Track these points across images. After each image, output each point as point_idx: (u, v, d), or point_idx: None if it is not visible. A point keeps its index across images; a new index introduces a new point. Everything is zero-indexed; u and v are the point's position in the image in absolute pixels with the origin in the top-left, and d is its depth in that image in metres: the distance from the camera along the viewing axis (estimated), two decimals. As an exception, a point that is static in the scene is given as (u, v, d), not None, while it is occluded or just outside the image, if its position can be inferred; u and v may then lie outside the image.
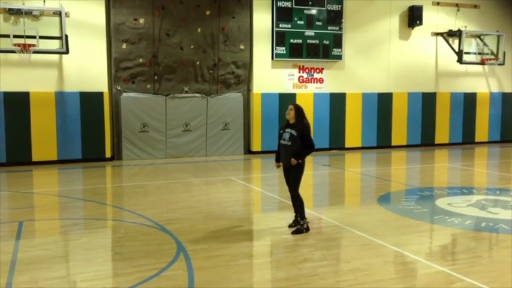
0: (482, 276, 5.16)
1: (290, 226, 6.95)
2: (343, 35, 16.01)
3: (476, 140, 18.38)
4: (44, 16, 12.96)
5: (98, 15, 13.59)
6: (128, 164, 13.53)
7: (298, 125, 6.67)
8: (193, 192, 9.85)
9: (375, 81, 16.74)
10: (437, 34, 17.44)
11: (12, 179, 11.47)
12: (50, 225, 7.49)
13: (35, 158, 13.17)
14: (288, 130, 6.73)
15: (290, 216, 7.06)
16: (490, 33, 17.52)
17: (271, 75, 15.55)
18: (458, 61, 17.00)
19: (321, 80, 16.13)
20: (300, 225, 6.78)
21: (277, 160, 6.99)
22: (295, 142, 6.63)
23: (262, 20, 15.26)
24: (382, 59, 16.82)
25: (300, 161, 6.66)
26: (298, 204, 6.79)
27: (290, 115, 6.74)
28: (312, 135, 6.81)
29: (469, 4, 17.79)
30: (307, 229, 6.75)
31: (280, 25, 15.29)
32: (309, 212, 8.09)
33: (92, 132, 13.66)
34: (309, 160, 14.22)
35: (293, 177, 6.75)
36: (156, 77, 14.33)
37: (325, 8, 15.70)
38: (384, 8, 16.70)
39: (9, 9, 12.64)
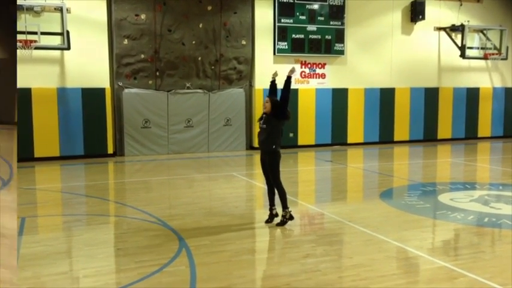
0: (485, 271, 5.15)
1: (267, 222, 6.99)
2: (345, 30, 15.95)
3: (479, 135, 18.33)
4: (45, 12, 12.94)
5: (99, 11, 13.56)
6: (130, 160, 13.54)
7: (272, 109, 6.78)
8: (196, 188, 9.86)
9: (377, 77, 16.69)
10: (440, 29, 17.36)
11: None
12: (53, 221, 7.50)
13: (37, 154, 13.18)
14: (264, 117, 6.89)
15: (293, 211, 7.01)
16: (493, 27, 17.42)
17: (273, 71, 15.42)
18: (461, 56, 16.93)
19: (323, 75, 16.10)
20: (282, 216, 6.87)
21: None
22: (270, 122, 6.76)
23: (264, 15, 15.21)
24: (384, 54, 16.76)
25: (275, 148, 6.72)
26: (281, 194, 6.83)
27: (267, 107, 6.84)
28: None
29: (471, -2, 17.74)
30: (291, 217, 6.85)
31: (282, 20, 15.24)
32: (311, 207, 8.10)
33: (94, 128, 13.66)
34: (311, 155, 14.31)
35: (270, 169, 6.83)
36: (158, 73, 14.31)
37: (327, 3, 15.63)
38: (387, 3, 16.62)
39: (11, 5, 12.65)
